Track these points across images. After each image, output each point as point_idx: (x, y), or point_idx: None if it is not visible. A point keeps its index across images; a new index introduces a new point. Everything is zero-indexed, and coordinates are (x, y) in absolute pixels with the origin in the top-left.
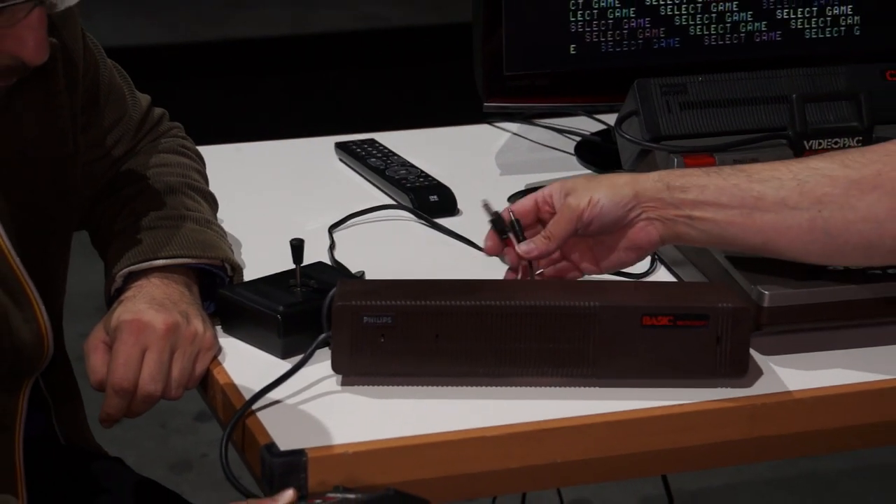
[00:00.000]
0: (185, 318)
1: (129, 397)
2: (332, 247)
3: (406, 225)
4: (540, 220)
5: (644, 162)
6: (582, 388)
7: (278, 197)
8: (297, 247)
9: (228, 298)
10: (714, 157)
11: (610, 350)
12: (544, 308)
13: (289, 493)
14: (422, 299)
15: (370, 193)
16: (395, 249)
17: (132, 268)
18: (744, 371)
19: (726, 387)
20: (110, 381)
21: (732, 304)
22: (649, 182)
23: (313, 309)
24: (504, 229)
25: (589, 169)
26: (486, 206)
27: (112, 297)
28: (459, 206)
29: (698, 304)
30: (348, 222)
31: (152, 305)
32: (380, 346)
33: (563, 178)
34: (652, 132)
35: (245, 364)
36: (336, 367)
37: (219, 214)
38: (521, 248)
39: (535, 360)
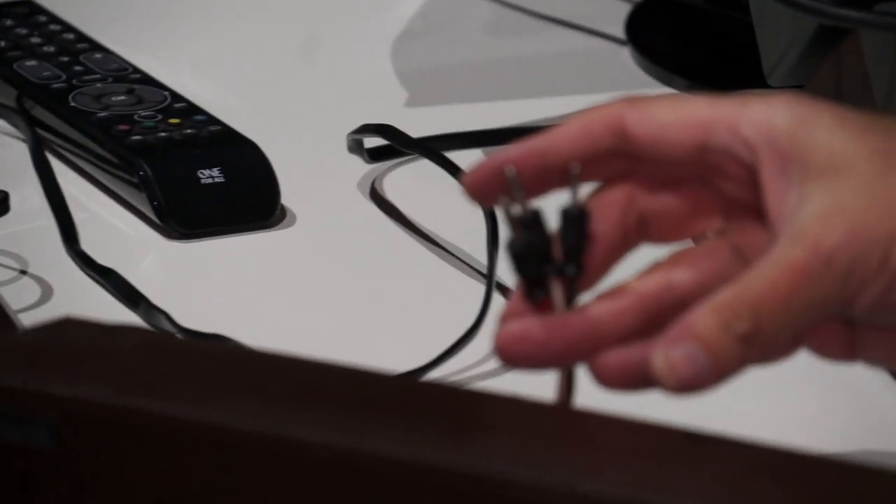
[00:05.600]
0: None
1: None
2: None
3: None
4: (710, 175)
5: (832, 61)
6: None
7: None
8: None
9: None
10: None
11: None
12: (452, 477)
13: None
14: (150, 394)
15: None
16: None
17: None
18: None
19: None
20: None
21: None
22: None
23: None
24: (541, 278)
25: (671, 87)
26: (509, 213)
27: None
28: (283, 198)
29: None
30: None
31: None
32: None
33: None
34: None
35: None
36: None
37: None
38: (682, 371)
39: None
